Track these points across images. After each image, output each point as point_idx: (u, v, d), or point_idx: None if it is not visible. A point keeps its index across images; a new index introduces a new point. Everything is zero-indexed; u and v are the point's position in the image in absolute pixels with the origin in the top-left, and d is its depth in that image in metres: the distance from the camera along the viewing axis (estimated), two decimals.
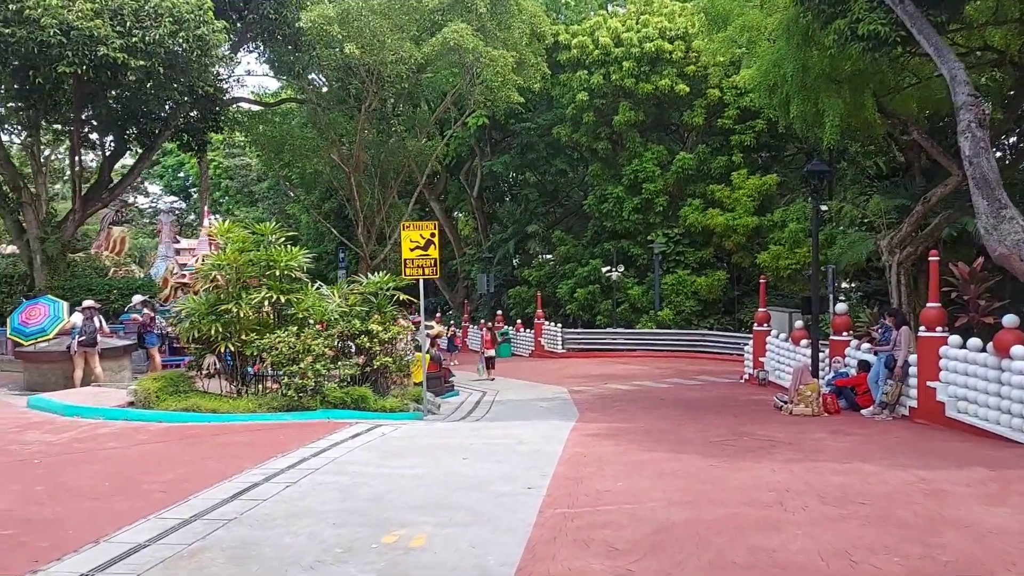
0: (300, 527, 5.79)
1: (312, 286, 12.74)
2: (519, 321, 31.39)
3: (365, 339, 12.58)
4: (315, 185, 31.95)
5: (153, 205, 55.65)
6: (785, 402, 12.45)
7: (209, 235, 17.34)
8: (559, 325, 29.41)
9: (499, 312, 31.97)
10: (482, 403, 17.70)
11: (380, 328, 12.72)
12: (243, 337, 11.60)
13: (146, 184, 57.63)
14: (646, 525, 5.74)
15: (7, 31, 13.33)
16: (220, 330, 11.51)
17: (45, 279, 17.31)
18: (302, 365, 11.20)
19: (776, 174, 27.91)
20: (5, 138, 21.12)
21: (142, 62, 14.28)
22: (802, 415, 11.83)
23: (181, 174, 54.72)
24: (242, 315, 11.51)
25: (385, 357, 12.77)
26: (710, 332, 27.22)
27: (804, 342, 15.18)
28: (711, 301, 28.05)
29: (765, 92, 16.22)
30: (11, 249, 15.67)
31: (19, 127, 18.44)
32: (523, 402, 17.54)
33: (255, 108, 26.39)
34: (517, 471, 7.69)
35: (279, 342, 11.29)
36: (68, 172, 19.24)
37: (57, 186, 30.89)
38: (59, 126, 18.95)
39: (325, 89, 25.25)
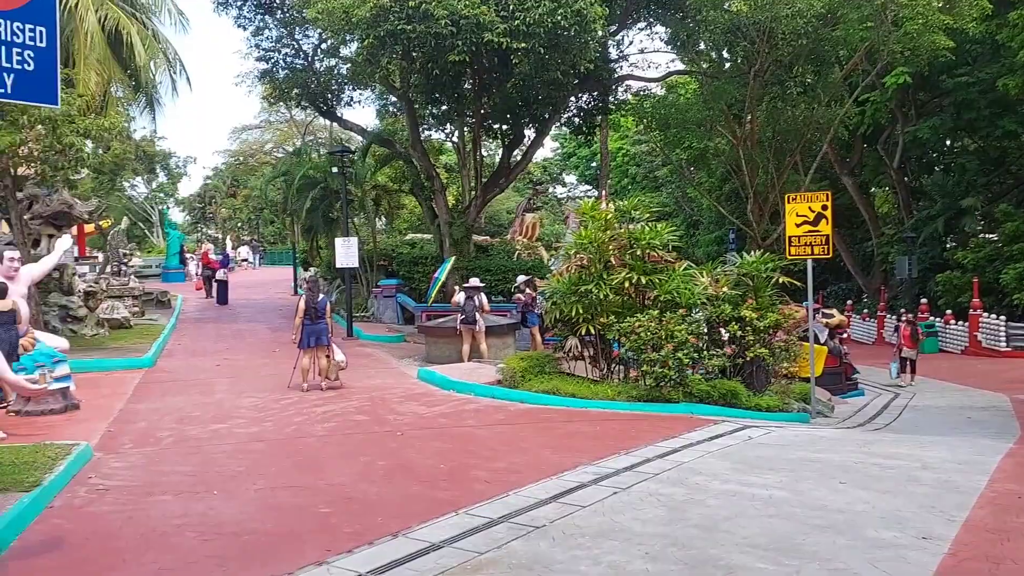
0: (604, 551, 4.78)
1: (680, 267, 11.61)
2: (948, 312, 26.47)
3: (736, 326, 11.11)
4: (705, 163, 30.59)
5: (569, 194, 59.41)
6: None
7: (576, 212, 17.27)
8: (1003, 318, 24.09)
9: (923, 301, 27.34)
10: (891, 407, 14.93)
11: (754, 315, 11.14)
12: (603, 319, 10.97)
13: (563, 175, 61.92)
14: None
15: (409, 27, 14.52)
16: (581, 311, 11.05)
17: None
18: (663, 352, 10.19)
19: None
20: (430, 134, 23.78)
21: (523, 44, 14.54)
22: None
23: (593, 163, 57.38)
24: (602, 296, 10.88)
25: (760, 348, 11.16)
26: None
27: None
28: None
29: None
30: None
31: (432, 120, 20.49)
32: (944, 409, 14.38)
33: (643, 86, 25.89)
34: (909, 510, 5.73)
35: (639, 326, 10.42)
36: (470, 162, 20.80)
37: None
38: (463, 117, 20.55)
39: (714, 55, 23.80)
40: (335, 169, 19.09)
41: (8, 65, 4.92)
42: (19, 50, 4.95)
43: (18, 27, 4.95)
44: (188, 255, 38.65)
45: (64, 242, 13.03)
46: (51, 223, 16.16)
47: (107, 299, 19.62)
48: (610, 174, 44.58)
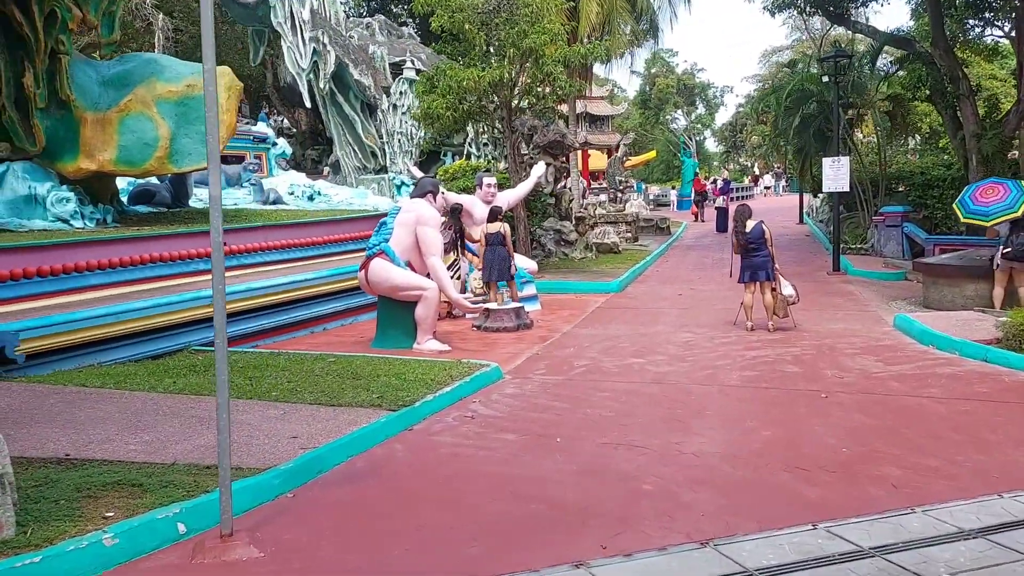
0: None
1: None
2: None
3: None
4: None
5: None
6: None
7: None
8: None
9: None
10: None
11: None
12: None
13: None
14: None
15: None
16: None
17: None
18: None
19: None
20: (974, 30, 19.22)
21: None
22: None
23: None
24: None
25: None
26: None
27: None
28: None
29: None
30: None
31: (965, 9, 16.12)
32: None
33: None
34: None
35: None
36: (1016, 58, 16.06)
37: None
38: None
39: None
40: (825, 78, 16.61)
41: None
42: None
43: None
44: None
45: (539, 168, 13.82)
46: (548, 152, 17.37)
47: (601, 224, 20.73)
48: None
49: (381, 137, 23.70)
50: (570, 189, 19.23)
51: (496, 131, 16.54)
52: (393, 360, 8.01)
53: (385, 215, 10.30)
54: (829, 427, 5.95)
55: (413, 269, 9.61)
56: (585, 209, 19.39)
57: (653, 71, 72.46)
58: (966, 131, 16.23)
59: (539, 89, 14.30)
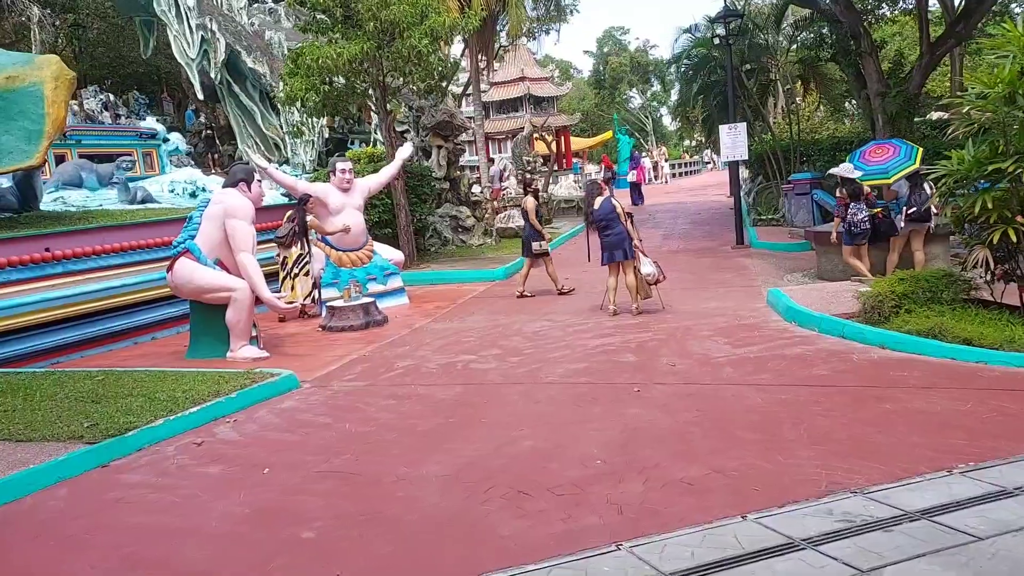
0: None
1: None
2: None
3: None
4: None
5: None
6: None
7: None
8: None
9: None
10: None
11: None
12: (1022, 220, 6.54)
13: None
14: None
15: None
16: (990, 207, 6.74)
17: None
18: None
19: None
20: None
21: None
22: None
23: None
24: None
25: None
26: None
27: None
28: None
29: None
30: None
31: None
32: None
33: None
34: None
35: None
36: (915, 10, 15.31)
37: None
38: None
39: None
40: (717, 40, 15.69)
41: None
42: None
43: None
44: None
45: (404, 151, 12.81)
46: (438, 134, 16.38)
47: (510, 207, 19.78)
48: None
49: (283, 128, 22.52)
50: (467, 172, 18.26)
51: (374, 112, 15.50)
52: (173, 374, 7.04)
53: None
54: (606, 430, 5.09)
55: (225, 268, 8.61)
56: (481, 193, 18.42)
57: (605, 50, 71.50)
58: (870, 90, 15.47)
59: (408, 67, 13.24)
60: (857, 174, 10.32)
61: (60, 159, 17.58)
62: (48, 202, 13.05)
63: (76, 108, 21.35)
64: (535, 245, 11.42)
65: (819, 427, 4.97)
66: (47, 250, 9.49)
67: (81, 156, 17.61)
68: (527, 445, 4.89)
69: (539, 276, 11.77)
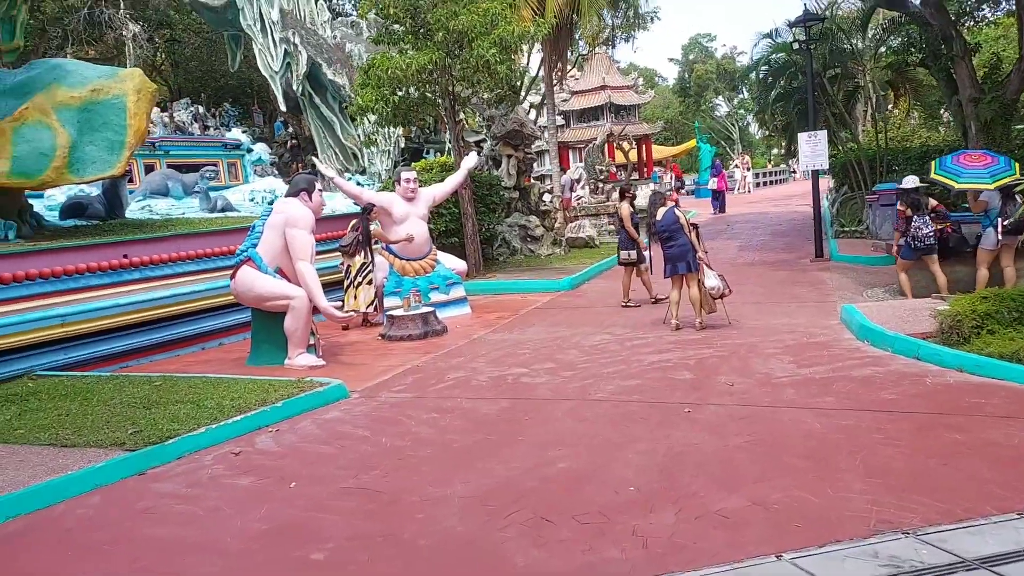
0: None
1: None
2: None
3: None
4: None
5: None
6: None
7: None
8: None
9: None
10: None
11: None
12: None
13: None
14: None
15: None
16: None
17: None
18: None
19: None
20: None
21: None
22: None
23: None
24: None
25: None
26: None
27: None
28: None
29: None
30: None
31: None
32: None
33: None
34: None
35: None
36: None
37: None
38: None
39: None
40: (796, 45, 15.04)
41: None
42: None
43: None
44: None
45: (469, 160, 12.78)
46: (508, 143, 16.32)
47: (582, 217, 19.56)
48: None
49: (360, 138, 22.93)
50: (536, 183, 18.14)
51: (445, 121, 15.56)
52: (227, 381, 7.15)
53: None
54: (648, 453, 4.85)
55: (285, 276, 8.73)
56: (550, 203, 18.23)
57: (691, 57, 70.30)
58: (962, 95, 14.58)
59: (476, 77, 13.22)
60: (912, 184, 9.94)
61: (149, 168, 18.40)
62: (135, 210, 13.61)
63: (167, 120, 22.33)
64: (622, 254, 11.03)
65: (878, 457, 4.60)
66: (125, 256, 9.87)
67: (169, 166, 18.36)
68: (562, 467, 4.70)
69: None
